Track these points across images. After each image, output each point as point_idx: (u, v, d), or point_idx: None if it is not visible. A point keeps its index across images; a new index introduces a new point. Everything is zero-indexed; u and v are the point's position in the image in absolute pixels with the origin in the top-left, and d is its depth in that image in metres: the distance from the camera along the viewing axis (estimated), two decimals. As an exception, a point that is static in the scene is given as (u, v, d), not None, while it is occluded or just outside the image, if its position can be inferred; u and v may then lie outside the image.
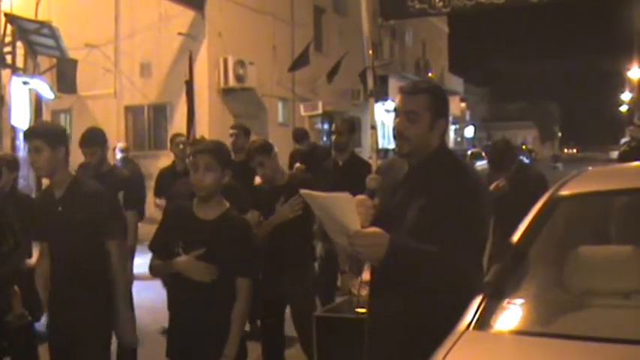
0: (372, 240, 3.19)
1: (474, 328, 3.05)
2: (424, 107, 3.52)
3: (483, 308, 3.16)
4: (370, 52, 10.94)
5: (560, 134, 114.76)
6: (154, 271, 4.74)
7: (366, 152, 31.76)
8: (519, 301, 3.31)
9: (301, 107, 26.56)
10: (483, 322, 3.08)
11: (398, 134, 3.57)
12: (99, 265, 4.86)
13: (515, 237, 3.63)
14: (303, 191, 3.46)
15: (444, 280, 3.33)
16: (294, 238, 6.11)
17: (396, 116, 3.59)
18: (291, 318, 6.31)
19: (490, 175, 7.37)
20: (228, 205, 4.62)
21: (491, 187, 6.71)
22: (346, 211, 3.19)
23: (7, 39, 17.72)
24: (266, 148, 6.19)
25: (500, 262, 3.55)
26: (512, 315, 3.20)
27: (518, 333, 3.10)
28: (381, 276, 3.56)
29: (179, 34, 21.55)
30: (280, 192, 6.10)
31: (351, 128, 8.27)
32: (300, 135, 13.19)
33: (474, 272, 3.40)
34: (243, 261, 4.51)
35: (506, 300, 3.24)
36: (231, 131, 9.44)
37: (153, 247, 4.70)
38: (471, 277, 3.36)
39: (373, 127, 7.19)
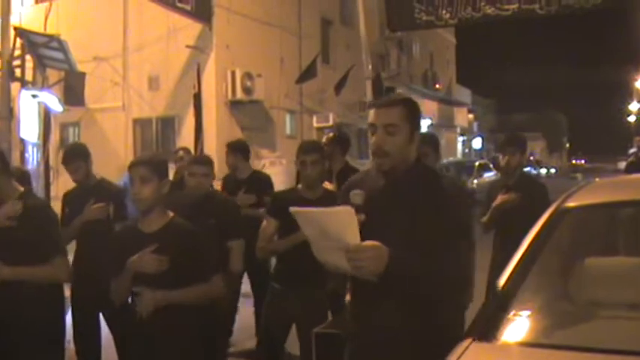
0: (374, 253, 3.14)
1: (479, 339, 3.06)
2: (402, 119, 3.51)
3: (489, 319, 3.17)
4: (370, 65, 10.95)
5: (568, 145, 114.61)
6: (114, 293, 4.54)
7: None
8: (525, 312, 3.29)
9: (314, 119, 26.65)
10: (489, 333, 3.09)
11: (377, 149, 3.51)
12: None
13: (522, 248, 3.63)
14: (292, 209, 3.37)
15: (441, 290, 3.42)
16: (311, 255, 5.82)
17: (373, 132, 3.54)
18: (298, 337, 6.00)
19: (493, 183, 7.31)
20: (172, 214, 4.50)
21: (499, 199, 6.62)
22: (346, 224, 3.14)
23: (17, 52, 17.79)
24: (323, 150, 5.95)
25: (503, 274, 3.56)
26: (518, 326, 3.20)
27: (525, 344, 3.11)
28: (376, 290, 3.38)
29: (187, 46, 21.63)
30: (310, 205, 5.80)
31: (335, 138, 8.21)
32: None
33: (466, 281, 3.60)
34: (198, 267, 4.38)
35: (513, 311, 3.23)
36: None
37: (111, 275, 4.51)
38: (462, 284, 3.55)
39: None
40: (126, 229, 4.64)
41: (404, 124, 3.50)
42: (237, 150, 8.53)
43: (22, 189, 5.08)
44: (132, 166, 4.42)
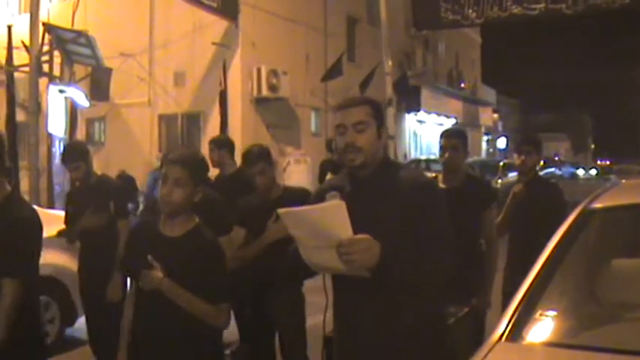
0: (367, 244, 3.12)
1: (505, 339, 3.06)
2: (370, 116, 3.56)
3: (515, 320, 3.16)
4: (390, 61, 10.89)
5: (592, 146, 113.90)
6: (110, 289, 4.54)
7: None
8: (551, 313, 3.29)
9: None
10: (515, 333, 3.09)
11: (349, 147, 3.52)
12: None
13: (548, 249, 3.64)
14: (280, 211, 3.28)
15: (431, 281, 3.48)
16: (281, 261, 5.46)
17: (342, 132, 3.55)
18: (280, 348, 5.79)
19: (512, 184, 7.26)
20: (197, 220, 4.10)
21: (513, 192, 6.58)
22: (338, 219, 3.08)
23: (45, 48, 17.94)
24: (269, 155, 5.78)
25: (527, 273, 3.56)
26: (544, 327, 3.20)
27: (550, 345, 3.11)
28: (365, 289, 3.37)
29: (213, 43, 21.72)
30: (273, 207, 4.97)
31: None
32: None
33: (447, 270, 3.48)
34: (210, 286, 3.94)
35: (539, 312, 3.23)
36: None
37: (122, 269, 4.37)
38: (446, 273, 3.48)
39: (391, 138, 7.11)
40: (146, 227, 4.25)
41: (371, 121, 3.57)
42: (222, 146, 8.19)
43: (8, 189, 4.31)
44: (169, 163, 4.02)
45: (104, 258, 6.40)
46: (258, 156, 5.66)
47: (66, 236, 7.08)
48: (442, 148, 5.77)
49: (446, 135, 5.84)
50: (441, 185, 5.58)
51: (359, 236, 3.10)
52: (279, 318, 5.64)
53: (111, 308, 6.11)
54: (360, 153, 3.50)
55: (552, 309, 3.33)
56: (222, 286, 4.03)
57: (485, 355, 2.98)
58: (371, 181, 3.57)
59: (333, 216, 3.08)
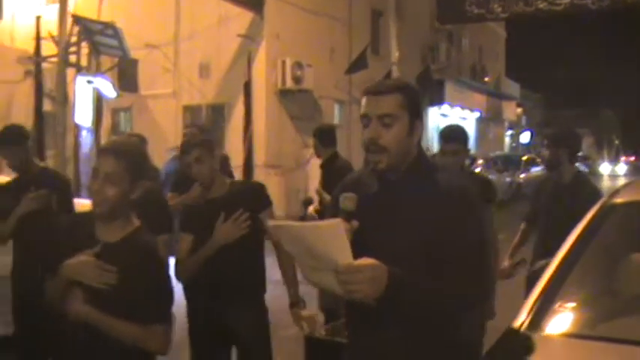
0: (370, 274, 2.62)
1: (525, 329, 3.12)
2: (400, 107, 2.97)
3: (535, 310, 3.22)
4: (397, 53, 10.78)
5: (617, 142, 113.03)
6: (50, 297, 3.50)
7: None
8: (571, 304, 3.35)
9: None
10: (534, 324, 3.15)
11: (371, 144, 2.97)
12: None
13: (569, 241, 3.69)
14: (271, 223, 2.89)
15: (447, 313, 2.96)
16: (242, 264, 4.77)
17: (365, 124, 2.99)
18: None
19: (542, 179, 7.19)
20: (137, 223, 3.51)
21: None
22: (335, 241, 2.61)
23: (73, 39, 18.12)
24: (209, 143, 4.90)
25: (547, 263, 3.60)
26: (563, 318, 3.26)
27: (569, 336, 3.16)
28: (378, 315, 2.86)
29: (238, 35, 21.77)
30: (219, 206, 4.75)
31: (315, 132, 8.06)
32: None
33: (479, 298, 3.05)
34: (143, 304, 3.32)
35: (558, 303, 3.28)
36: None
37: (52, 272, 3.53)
38: (474, 304, 3.06)
39: None
40: (77, 226, 3.54)
41: (402, 114, 2.97)
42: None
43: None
44: (100, 154, 3.44)
45: (44, 260, 4.80)
46: (195, 143, 4.84)
47: None
48: (441, 152, 5.59)
49: (445, 139, 5.58)
50: None
51: (361, 263, 2.61)
52: (241, 333, 4.85)
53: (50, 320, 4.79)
54: (384, 153, 2.95)
55: (571, 301, 3.37)
56: (157, 303, 3.40)
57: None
58: (398, 185, 3.02)
59: (329, 237, 2.62)
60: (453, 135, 5.59)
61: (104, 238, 3.37)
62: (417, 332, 2.91)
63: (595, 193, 6.21)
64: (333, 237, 2.60)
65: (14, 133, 5.93)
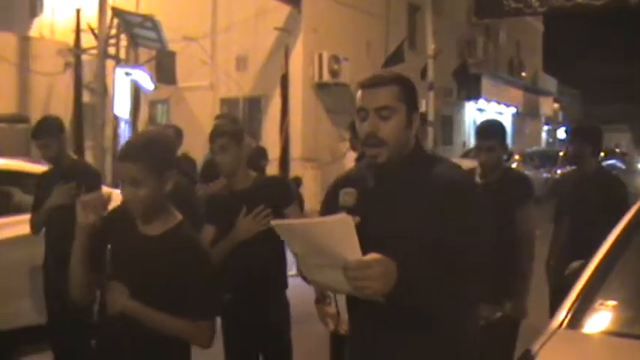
0: (381, 269, 2.51)
1: (566, 326, 3.15)
2: (397, 99, 2.91)
3: (575, 308, 3.23)
4: (432, 46, 10.39)
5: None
6: (72, 288, 3.48)
7: (456, 150, 31.64)
8: (611, 302, 3.35)
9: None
10: (575, 321, 3.17)
11: (370, 138, 2.91)
12: None
13: (609, 240, 3.70)
14: (273, 222, 2.69)
15: (452, 307, 2.86)
16: (264, 258, 4.62)
17: (363, 117, 2.94)
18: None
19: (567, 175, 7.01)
20: (180, 218, 3.46)
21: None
22: (343, 236, 2.51)
23: (112, 31, 18.29)
24: (238, 133, 4.79)
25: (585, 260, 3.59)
26: (603, 316, 3.27)
27: (610, 334, 3.18)
28: (386, 315, 2.80)
29: (275, 28, 21.83)
30: (242, 199, 4.64)
31: (352, 126, 8.03)
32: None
33: (479, 290, 2.92)
34: (190, 299, 3.27)
35: (599, 301, 3.29)
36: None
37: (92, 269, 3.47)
38: (477, 296, 2.98)
39: (429, 124, 6.43)
40: (122, 220, 3.44)
41: (399, 106, 2.91)
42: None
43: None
44: (119, 162, 3.34)
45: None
46: (222, 131, 4.76)
47: (30, 225, 6.09)
48: (478, 148, 5.42)
49: (480, 136, 5.42)
50: (478, 180, 5.26)
51: (371, 258, 2.51)
52: (263, 327, 4.74)
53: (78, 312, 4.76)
54: (383, 147, 2.89)
55: (612, 299, 3.37)
56: (204, 299, 3.35)
57: (545, 342, 3.06)
58: (397, 178, 2.96)
59: (338, 233, 2.52)
60: (489, 131, 5.43)
61: (146, 232, 3.35)
62: (424, 329, 2.84)
63: (621, 187, 6.24)
64: (342, 232, 2.50)
65: (50, 125, 5.99)
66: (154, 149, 3.29)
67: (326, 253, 2.55)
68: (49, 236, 5.99)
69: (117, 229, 3.39)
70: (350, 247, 2.50)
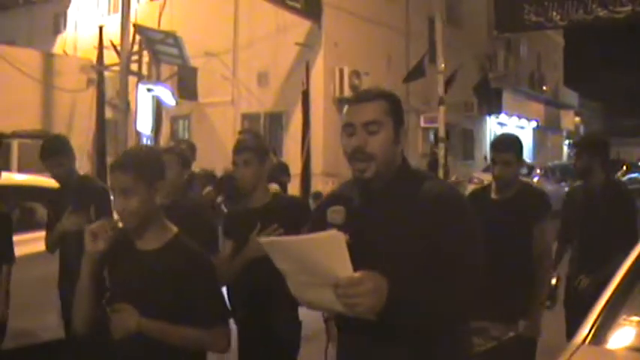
0: (372, 285, 2.49)
1: (589, 342, 3.13)
2: (384, 114, 2.89)
3: (599, 324, 3.22)
4: (442, 65, 10.21)
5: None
6: (74, 317, 3.48)
7: (477, 164, 31.56)
8: (635, 318, 3.32)
9: (421, 118, 26.78)
10: (599, 337, 3.15)
11: (358, 153, 2.86)
12: None
13: (632, 256, 3.68)
14: (263, 240, 2.69)
15: (444, 322, 2.79)
16: (277, 276, 4.05)
17: (350, 133, 2.90)
18: None
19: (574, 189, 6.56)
20: (175, 230, 3.45)
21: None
22: (334, 253, 2.46)
23: (135, 48, 18.42)
24: (262, 148, 4.79)
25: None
26: (627, 332, 3.25)
27: (634, 349, 3.17)
28: (379, 332, 2.75)
29: (296, 44, 21.94)
30: (258, 216, 4.59)
31: None
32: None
33: (472, 305, 2.84)
34: (201, 307, 3.28)
35: (623, 317, 3.28)
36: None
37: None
38: (469, 310, 2.88)
39: (441, 140, 6.27)
40: (119, 239, 3.40)
41: (387, 120, 2.88)
42: None
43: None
44: (110, 173, 3.37)
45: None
46: (249, 145, 4.72)
47: (45, 244, 6.10)
48: (493, 161, 5.23)
49: (496, 149, 5.23)
50: (493, 196, 5.21)
51: (361, 275, 2.48)
52: (273, 344, 4.65)
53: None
54: (371, 161, 2.85)
55: (636, 314, 3.34)
56: (215, 304, 3.38)
57: (569, 358, 3.04)
58: (385, 194, 2.91)
59: (329, 249, 2.48)
60: (505, 143, 5.27)
61: (143, 247, 3.35)
62: (415, 345, 2.79)
63: (630, 199, 6.05)
64: (333, 249, 2.46)
65: (61, 144, 5.99)
66: (142, 160, 3.34)
67: (316, 271, 2.52)
68: (62, 257, 6.00)
69: (114, 250, 3.34)
70: (340, 264, 2.47)
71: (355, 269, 2.48)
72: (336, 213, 2.86)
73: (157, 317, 3.20)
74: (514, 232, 4.91)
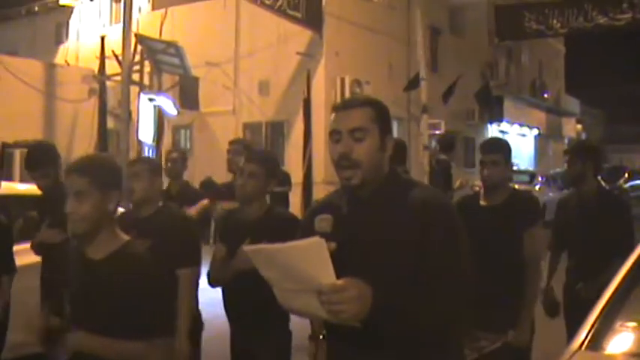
0: (355, 292, 2.49)
1: (586, 348, 3.13)
2: (370, 121, 2.87)
3: (595, 329, 3.23)
4: (423, 63, 10.21)
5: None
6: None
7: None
8: (632, 323, 3.33)
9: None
10: (595, 343, 3.16)
11: (343, 159, 2.84)
12: None
13: (629, 261, 3.69)
14: (246, 248, 2.71)
15: (431, 329, 2.75)
16: (267, 289, 3.93)
17: (336, 140, 2.88)
18: None
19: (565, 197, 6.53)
20: (126, 238, 3.37)
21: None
22: (317, 259, 2.48)
23: (136, 58, 18.48)
24: (272, 162, 4.87)
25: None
26: (624, 337, 3.27)
27: (631, 355, 3.18)
28: (365, 339, 2.69)
29: (297, 53, 21.97)
30: (251, 227, 4.59)
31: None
32: (447, 143, 12.48)
33: (461, 312, 2.83)
34: (141, 317, 3.15)
35: (619, 322, 3.28)
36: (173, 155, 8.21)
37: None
38: (457, 318, 2.86)
39: (424, 147, 6.25)
40: (72, 251, 3.44)
41: (373, 127, 2.87)
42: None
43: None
44: (66, 174, 3.35)
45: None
46: (261, 158, 4.82)
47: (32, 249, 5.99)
48: (481, 163, 5.14)
49: (483, 150, 5.19)
50: (482, 203, 5.14)
51: (345, 282, 2.50)
52: (262, 358, 4.66)
53: None
54: (357, 169, 2.83)
55: (633, 320, 3.35)
56: (155, 315, 3.23)
57: (566, 363, 3.07)
58: (372, 202, 2.90)
59: (311, 256, 2.49)
60: (493, 145, 5.28)
61: (91, 256, 3.27)
62: (402, 353, 2.75)
63: (623, 205, 6.03)
64: (315, 255, 2.48)
65: (46, 154, 5.90)
66: (99, 165, 3.32)
67: (300, 278, 2.53)
68: (43, 265, 5.94)
69: (70, 259, 3.36)
70: (324, 271, 2.48)
71: (343, 277, 2.49)
72: (323, 221, 2.85)
73: (103, 329, 3.14)
74: (503, 239, 4.85)
